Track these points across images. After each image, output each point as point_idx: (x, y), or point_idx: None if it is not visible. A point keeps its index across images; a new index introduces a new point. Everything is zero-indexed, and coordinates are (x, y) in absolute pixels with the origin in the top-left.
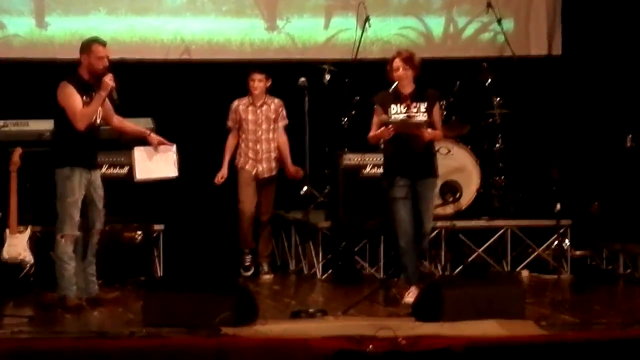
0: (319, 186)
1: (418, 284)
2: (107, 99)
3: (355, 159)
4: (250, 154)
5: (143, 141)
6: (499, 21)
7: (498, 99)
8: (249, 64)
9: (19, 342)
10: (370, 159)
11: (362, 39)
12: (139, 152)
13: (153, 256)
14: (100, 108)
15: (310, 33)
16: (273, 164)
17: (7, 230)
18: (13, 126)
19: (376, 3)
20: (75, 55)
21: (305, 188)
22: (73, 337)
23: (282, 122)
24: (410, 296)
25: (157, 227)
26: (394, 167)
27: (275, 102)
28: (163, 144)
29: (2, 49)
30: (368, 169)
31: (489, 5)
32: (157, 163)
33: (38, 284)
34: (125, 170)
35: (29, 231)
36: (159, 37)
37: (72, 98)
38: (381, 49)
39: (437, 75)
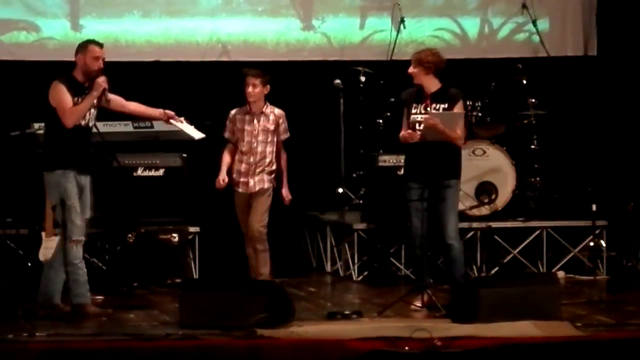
0: (354, 187)
1: (427, 291)
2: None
3: (391, 160)
4: (243, 168)
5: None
6: (534, 22)
7: (533, 99)
8: (253, 65)
9: (55, 344)
10: None
11: (397, 39)
12: (179, 125)
13: (189, 258)
14: (93, 110)
15: (345, 33)
16: (265, 177)
17: (44, 233)
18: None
19: (411, 4)
20: (110, 57)
21: (340, 189)
22: (109, 339)
23: (283, 136)
24: (418, 302)
25: (193, 229)
26: (410, 170)
27: (275, 113)
28: (176, 117)
29: (37, 52)
30: (403, 170)
31: (524, 6)
32: (191, 128)
33: None
34: (161, 172)
35: None
36: (194, 39)
37: (63, 96)
38: (416, 50)
39: (472, 76)
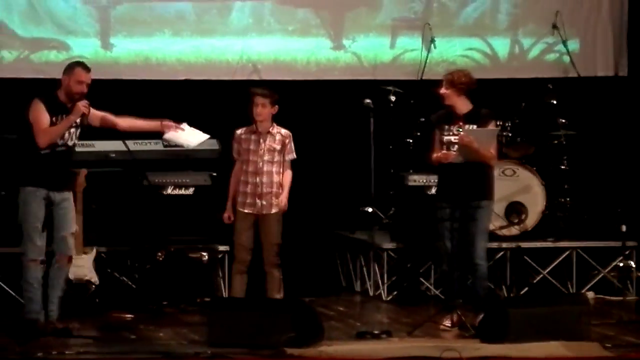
0: (384, 207)
1: (457, 310)
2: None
3: (420, 180)
4: (249, 189)
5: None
6: (565, 42)
7: (563, 120)
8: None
9: None
10: (435, 180)
11: (428, 59)
12: (170, 134)
13: (218, 277)
14: (73, 130)
15: (376, 52)
16: (274, 200)
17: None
18: (78, 147)
19: (442, 24)
20: (141, 75)
21: (370, 209)
22: (138, 358)
23: (289, 156)
24: (447, 322)
25: (222, 247)
26: (442, 191)
27: (282, 133)
28: (176, 125)
29: None
30: (433, 190)
31: (554, 26)
32: (189, 134)
33: (103, 304)
34: (191, 190)
35: (94, 252)
36: (224, 58)
37: (40, 114)
38: (446, 70)
39: (502, 96)
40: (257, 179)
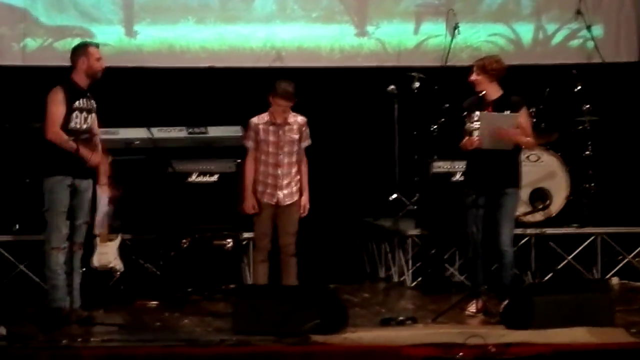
0: (409, 193)
1: (482, 297)
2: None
3: (445, 167)
4: (270, 180)
5: None
6: (589, 28)
7: (587, 105)
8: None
9: (110, 350)
10: (460, 167)
11: (452, 45)
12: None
13: (243, 264)
14: (94, 116)
15: (400, 38)
16: (294, 189)
17: (98, 239)
18: (102, 134)
19: (466, 9)
20: (165, 63)
21: (394, 195)
22: (163, 345)
23: (305, 143)
24: (472, 307)
25: (247, 234)
26: (470, 177)
27: (299, 121)
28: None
29: None
30: (457, 177)
31: (578, 12)
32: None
33: (128, 291)
34: (215, 177)
35: (119, 239)
36: (248, 45)
37: (55, 107)
38: (470, 56)
39: (526, 82)
40: (279, 171)
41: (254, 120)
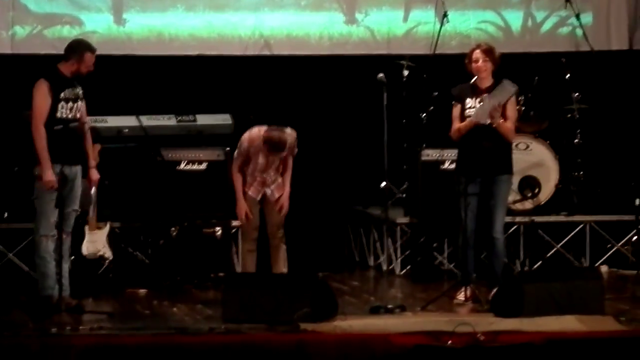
0: (398, 182)
1: (471, 285)
2: (84, 106)
3: (434, 155)
4: (258, 178)
5: None
6: (578, 15)
7: (577, 94)
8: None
9: (99, 338)
10: (449, 155)
11: (441, 32)
12: None
13: (232, 252)
14: (81, 104)
15: (389, 26)
16: (280, 184)
17: (87, 227)
18: (92, 123)
19: None
20: (154, 51)
21: (383, 184)
22: (153, 333)
23: (293, 153)
24: (461, 295)
25: (236, 223)
26: (463, 165)
27: (289, 141)
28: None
29: None
30: (447, 165)
31: (567, 0)
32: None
33: (117, 280)
34: (204, 166)
35: (108, 227)
36: (237, 33)
37: (40, 100)
38: (460, 43)
39: (515, 70)
40: (266, 176)
41: (245, 144)
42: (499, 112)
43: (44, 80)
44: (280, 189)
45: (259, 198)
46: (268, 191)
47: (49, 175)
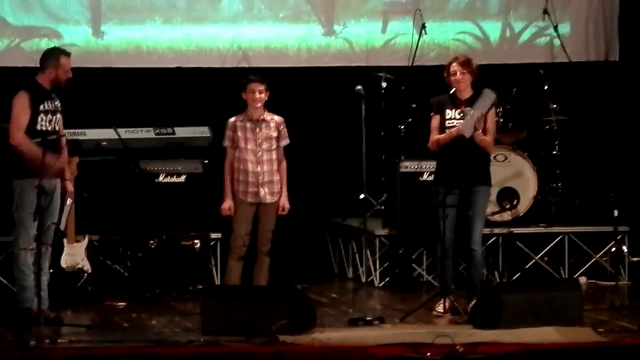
0: (376, 194)
1: (450, 296)
2: (61, 119)
3: (413, 166)
4: (251, 178)
5: None
6: (556, 27)
7: (555, 105)
8: (252, 71)
9: (78, 350)
10: (428, 166)
11: (420, 44)
12: None
13: (211, 264)
14: (59, 117)
15: (367, 38)
16: (275, 189)
17: (65, 239)
18: (70, 135)
19: (433, 8)
20: (132, 63)
21: (362, 195)
22: (131, 346)
23: (284, 142)
24: (440, 307)
25: (215, 235)
26: (442, 174)
27: (275, 120)
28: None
29: None
30: (425, 176)
31: (545, 11)
32: None
33: (96, 292)
34: (182, 178)
35: (86, 240)
36: (215, 45)
37: (20, 112)
38: (438, 54)
39: (494, 81)
40: (259, 168)
41: (231, 119)
42: (481, 124)
43: (25, 92)
44: (273, 194)
45: (255, 201)
46: (262, 192)
47: (51, 159)
